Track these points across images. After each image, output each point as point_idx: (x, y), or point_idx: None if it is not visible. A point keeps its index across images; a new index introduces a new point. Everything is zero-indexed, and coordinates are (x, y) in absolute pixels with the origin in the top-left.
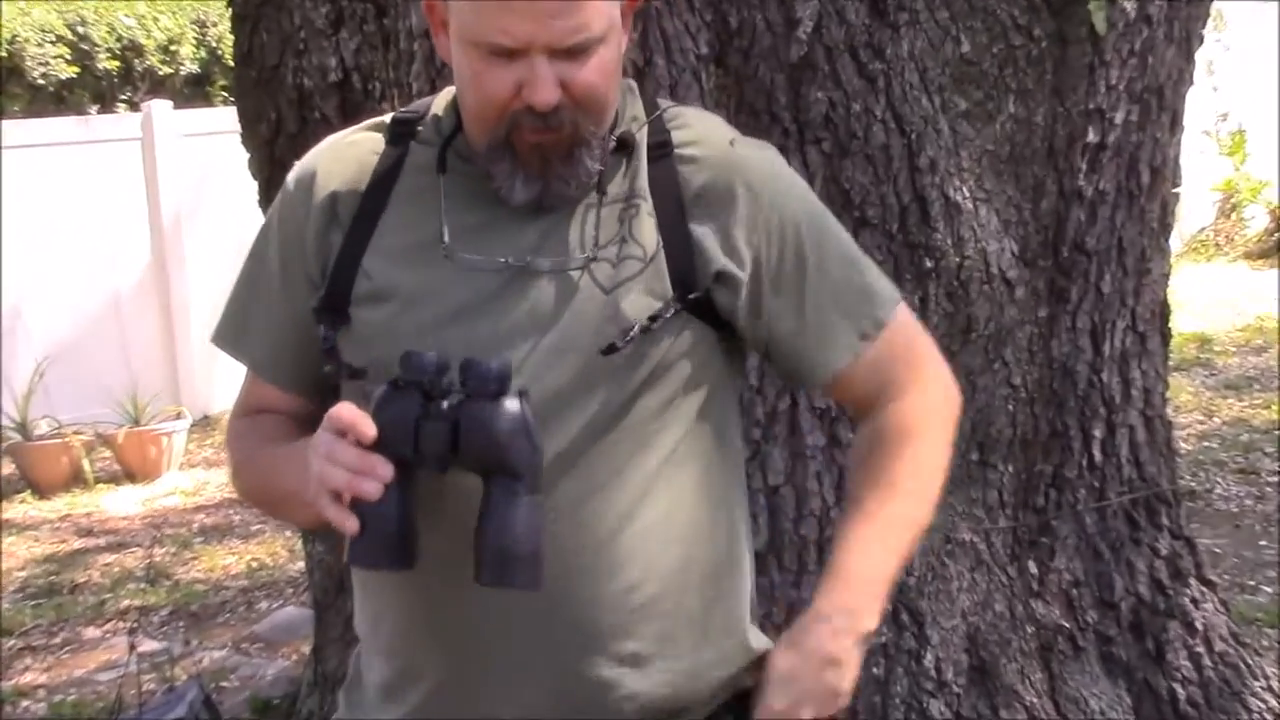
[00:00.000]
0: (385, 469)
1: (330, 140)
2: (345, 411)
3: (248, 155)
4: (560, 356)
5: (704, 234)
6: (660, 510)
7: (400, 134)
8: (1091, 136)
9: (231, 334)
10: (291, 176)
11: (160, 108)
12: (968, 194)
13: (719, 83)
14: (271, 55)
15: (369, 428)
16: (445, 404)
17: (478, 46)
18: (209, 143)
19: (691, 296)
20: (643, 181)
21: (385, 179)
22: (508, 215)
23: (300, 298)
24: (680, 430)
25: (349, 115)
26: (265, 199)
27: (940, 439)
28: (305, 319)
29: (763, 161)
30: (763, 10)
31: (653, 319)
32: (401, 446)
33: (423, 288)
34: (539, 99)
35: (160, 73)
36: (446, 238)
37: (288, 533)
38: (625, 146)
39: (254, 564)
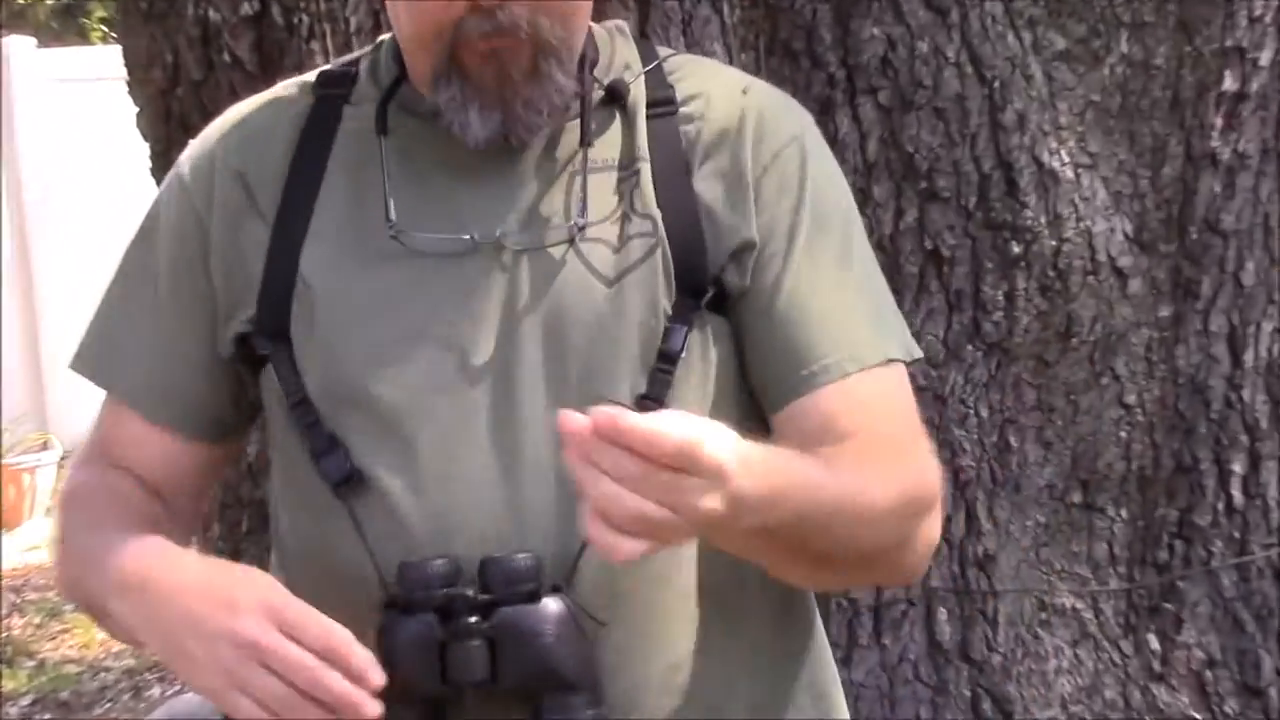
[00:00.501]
0: (373, 710)
1: (235, 110)
2: (326, 629)
3: (136, 110)
4: (562, 384)
5: (714, 204)
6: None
7: (330, 95)
8: (1229, 83)
9: (96, 357)
10: (185, 161)
11: (19, 45)
12: (1066, 158)
13: (745, 16)
14: None
15: (373, 668)
16: (473, 619)
17: None
18: (83, 91)
19: (707, 289)
20: (643, 140)
21: (315, 152)
22: (470, 181)
23: (198, 318)
24: None
25: (267, 59)
26: (159, 168)
27: (896, 504)
28: (200, 344)
29: (784, 114)
30: None
31: (689, 328)
32: (425, 681)
33: (374, 292)
34: None
35: None
36: (393, 213)
37: None
38: (616, 99)
39: None
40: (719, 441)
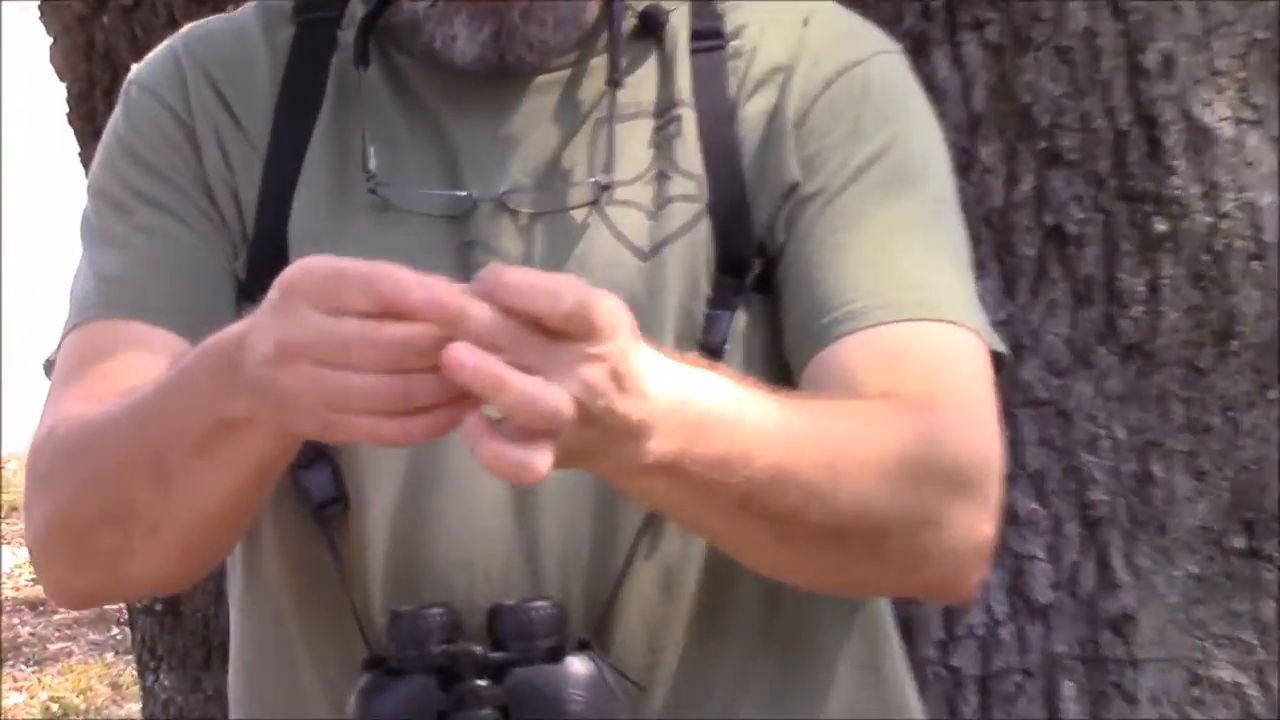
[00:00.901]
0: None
1: (194, 29)
2: (379, 269)
3: (49, 41)
4: None
5: (754, 153)
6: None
7: (317, 19)
8: None
9: (102, 296)
10: (139, 71)
11: None
12: (1225, 112)
13: None
14: None
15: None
16: (481, 683)
17: None
18: None
19: (751, 264)
20: (684, 82)
21: (305, 86)
22: (472, 125)
23: (209, 234)
24: None
25: None
26: (79, 114)
27: (914, 463)
28: (217, 257)
29: (849, 39)
30: None
31: (733, 312)
32: None
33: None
34: None
35: None
36: (371, 162)
37: (108, 655)
38: (652, 29)
39: (53, 706)
40: (618, 312)
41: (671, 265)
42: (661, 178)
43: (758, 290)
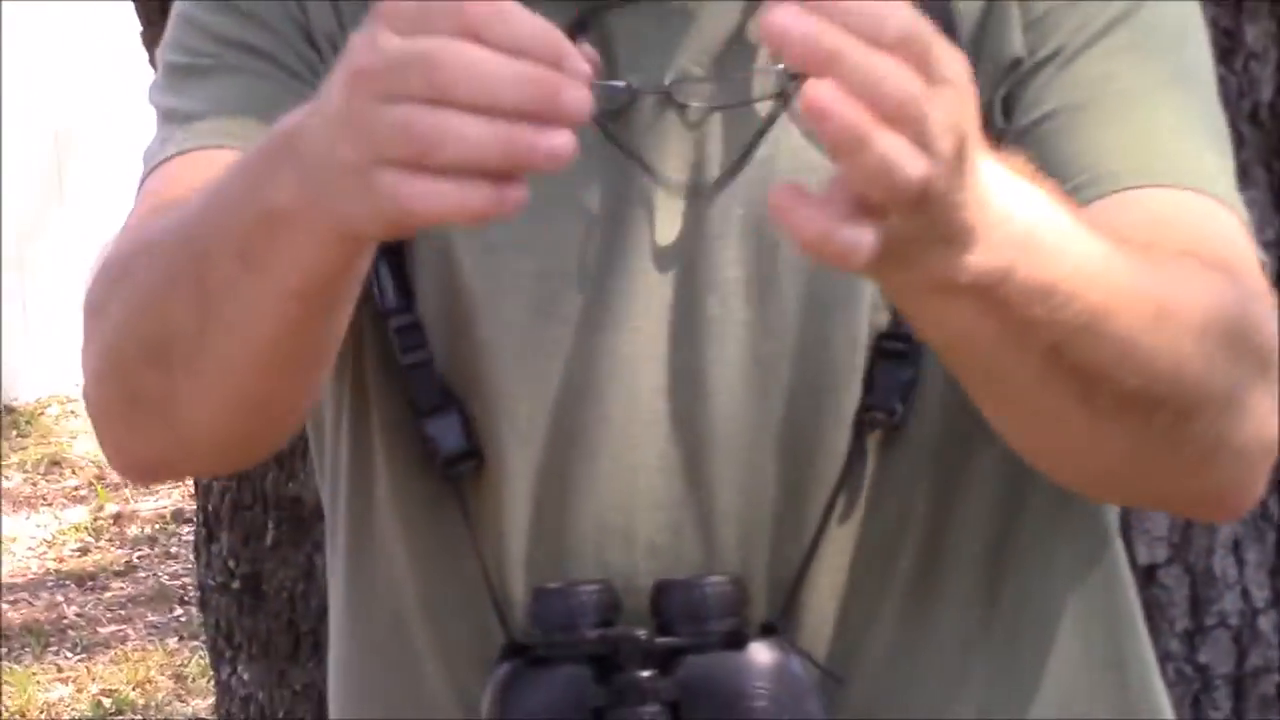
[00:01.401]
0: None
1: None
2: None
3: None
4: (770, 316)
5: (974, 29)
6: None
7: None
8: None
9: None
10: None
11: None
12: None
13: None
14: None
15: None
16: (646, 674)
17: None
18: None
19: None
20: None
21: None
22: (623, 11)
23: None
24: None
25: None
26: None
27: (1222, 322)
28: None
29: None
30: None
31: None
32: None
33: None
34: None
35: None
36: None
37: (170, 641)
38: None
39: (105, 701)
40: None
41: None
42: None
43: None
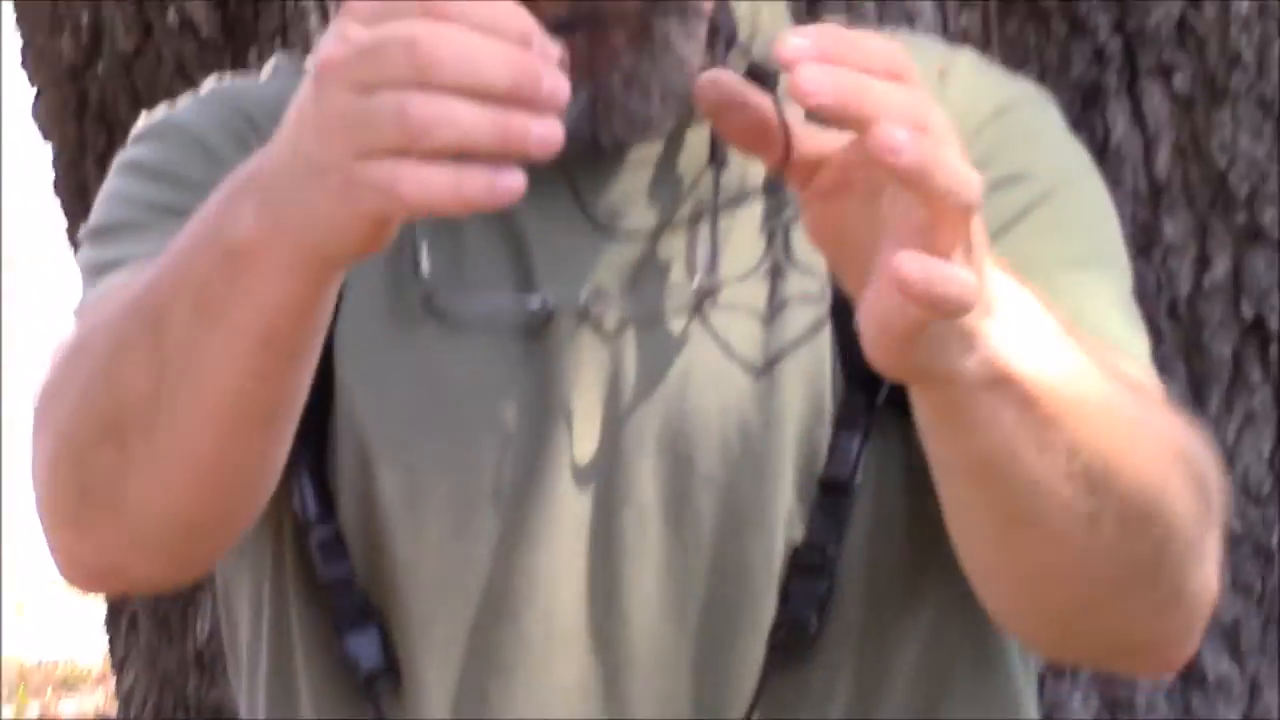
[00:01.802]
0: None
1: (230, 82)
2: None
3: (33, 94)
4: (686, 528)
5: None
6: None
7: None
8: None
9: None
10: (171, 112)
11: None
12: None
13: None
14: None
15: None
16: None
17: None
18: None
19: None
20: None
21: None
22: (548, 212)
23: None
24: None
25: (234, 22)
26: (67, 183)
27: (1185, 456)
28: None
29: (987, 90)
30: None
31: (864, 438)
32: None
33: (411, 376)
34: None
35: None
36: (424, 265)
37: None
38: (760, 85)
39: None
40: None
41: (790, 382)
42: (776, 273)
43: (892, 408)
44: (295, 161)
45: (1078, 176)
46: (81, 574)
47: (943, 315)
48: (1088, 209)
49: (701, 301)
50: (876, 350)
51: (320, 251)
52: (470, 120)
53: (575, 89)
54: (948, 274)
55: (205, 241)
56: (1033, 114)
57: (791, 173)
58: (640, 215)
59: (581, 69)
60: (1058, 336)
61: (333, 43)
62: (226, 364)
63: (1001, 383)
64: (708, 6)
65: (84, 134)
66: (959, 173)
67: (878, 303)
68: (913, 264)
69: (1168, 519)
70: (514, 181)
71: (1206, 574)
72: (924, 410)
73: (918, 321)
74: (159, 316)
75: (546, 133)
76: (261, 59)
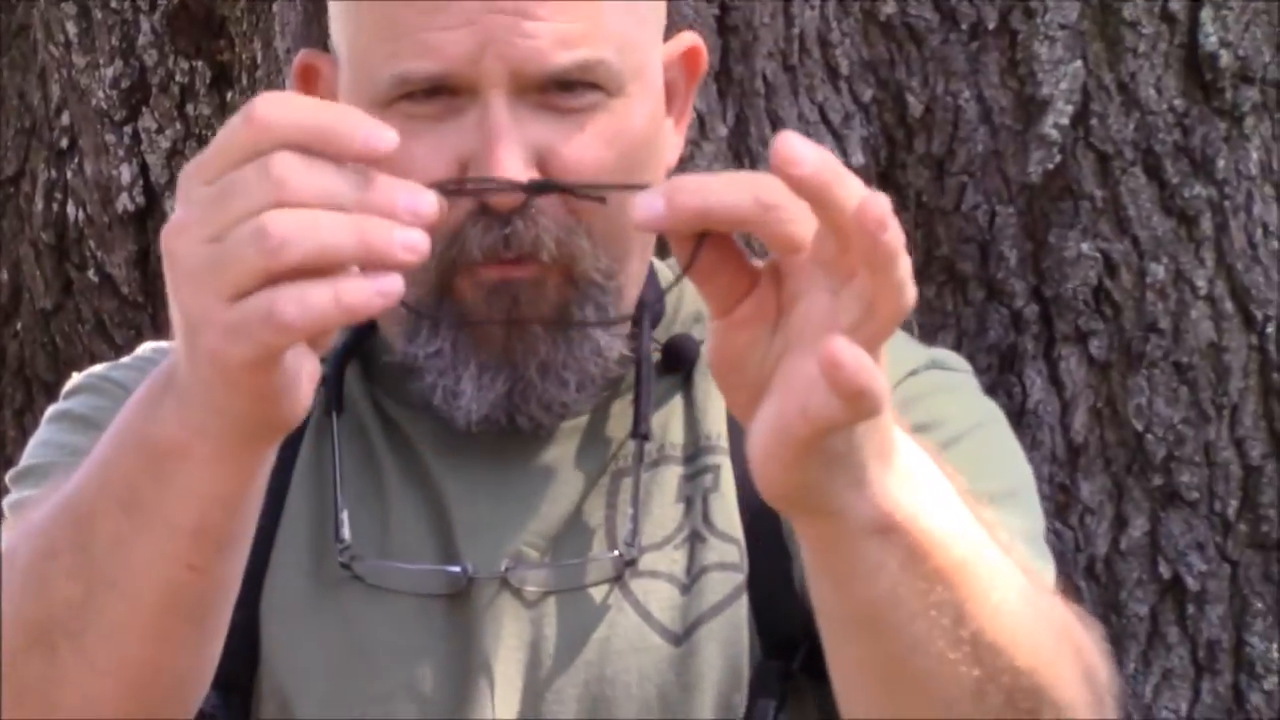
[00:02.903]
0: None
1: (159, 347)
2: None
3: None
4: None
5: None
6: None
7: None
8: None
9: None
10: (103, 369)
11: None
12: None
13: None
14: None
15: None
16: None
17: (382, 91)
18: None
19: (799, 643)
20: (718, 424)
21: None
22: (468, 480)
23: None
24: None
25: (155, 279)
26: None
27: (1073, 647)
28: None
29: (909, 355)
30: (974, 81)
31: (780, 703)
32: None
33: (331, 642)
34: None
35: None
36: (345, 532)
37: None
38: (681, 362)
39: None
40: None
41: (707, 649)
42: (695, 540)
43: (807, 674)
44: (188, 325)
45: (990, 423)
46: None
47: (855, 411)
48: (998, 451)
49: (622, 571)
50: (768, 466)
51: (240, 434)
52: (330, 226)
53: (494, 375)
54: (871, 367)
55: (130, 444)
56: (946, 374)
57: (722, 303)
58: (563, 485)
59: (500, 356)
60: (953, 502)
61: (179, 207)
62: (158, 561)
63: (888, 530)
64: (636, 277)
65: (1, 389)
66: (908, 279)
67: (777, 415)
68: (845, 348)
69: (1055, 701)
70: (393, 285)
71: None
72: (808, 552)
73: (820, 425)
74: (85, 522)
75: (413, 241)
76: None
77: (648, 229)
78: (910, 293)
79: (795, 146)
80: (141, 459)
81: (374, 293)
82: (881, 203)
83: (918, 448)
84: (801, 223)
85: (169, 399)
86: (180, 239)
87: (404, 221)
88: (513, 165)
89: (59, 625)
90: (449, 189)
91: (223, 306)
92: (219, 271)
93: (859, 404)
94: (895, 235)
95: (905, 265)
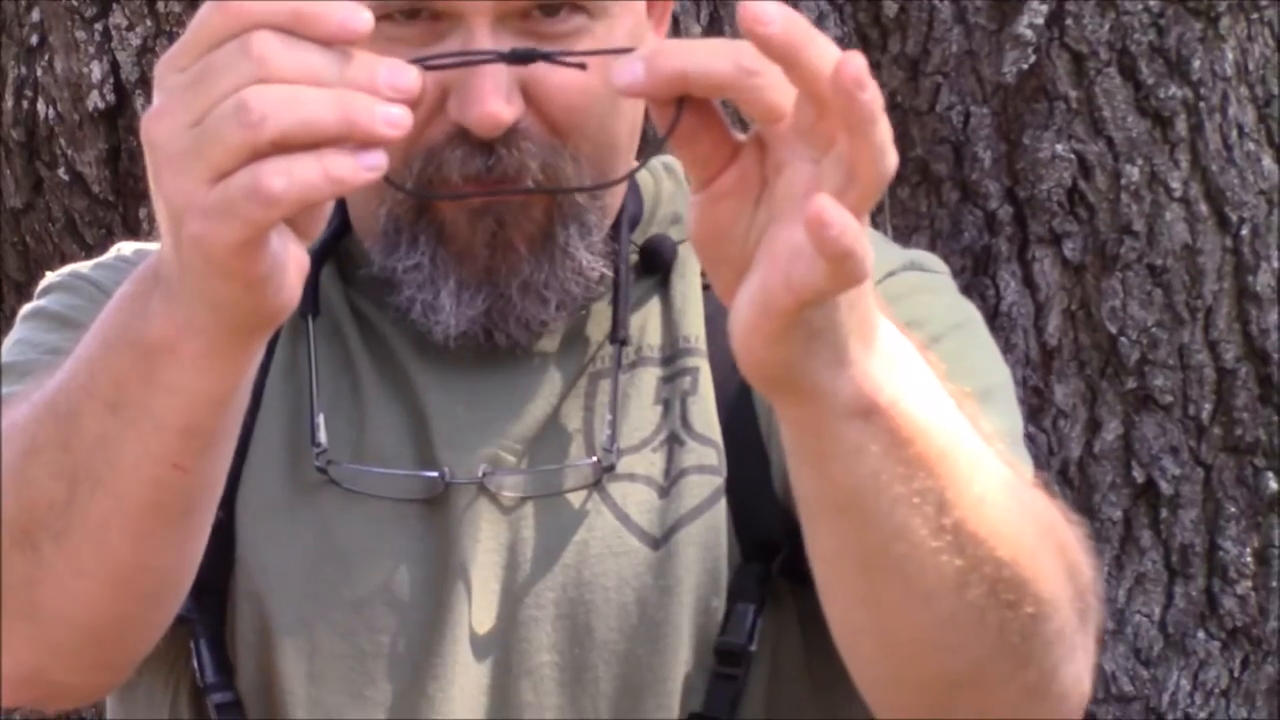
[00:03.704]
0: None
1: (140, 247)
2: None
3: None
4: (585, 697)
5: (771, 410)
6: None
7: None
8: None
9: None
10: (82, 268)
11: None
12: None
13: None
14: None
15: (359, 12)
16: None
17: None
18: None
19: (780, 546)
20: (695, 326)
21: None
22: (446, 386)
23: None
24: None
25: (126, 179)
26: None
27: (1060, 547)
28: None
29: (886, 257)
30: None
31: (759, 606)
32: None
33: (308, 547)
34: (477, 111)
35: None
36: (321, 436)
37: None
38: (659, 264)
39: None
40: None
41: (686, 553)
42: (673, 443)
43: (787, 578)
44: (173, 207)
45: (969, 324)
46: (3, 684)
47: (839, 276)
48: (977, 351)
49: (600, 477)
50: (751, 341)
51: (229, 327)
52: (312, 100)
53: (474, 292)
54: (856, 228)
55: (116, 341)
56: (924, 275)
57: (703, 170)
58: (540, 388)
59: (482, 274)
60: (937, 391)
61: (157, 98)
62: (145, 459)
63: (869, 413)
64: (614, 204)
65: None
66: (888, 142)
67: (761, 287)
68: (832, 206)
69: (1039, 595)
70: (378, 159)
71: (1078, 671)
72: (790, 437)
73: (804, 295)
74: (69, 421)
75: (394, 116)
76: (152, 217)
77: (627, 94)
78: (892, 157)
79: (762, 6)
80: (129, 357)
81: (359, 165)
82: (858, 62)
83: (902, 336)
84: (781, 90)
85: (156, 296)
86: (160, 126)
87: (385, 97)
88: (495, 98)
89: (42, 525)
90: (429, 64)
91: (206, 189)
92: (201, 153)
93: (843, 267)
94: (873, 95)
95: (885, 128)
